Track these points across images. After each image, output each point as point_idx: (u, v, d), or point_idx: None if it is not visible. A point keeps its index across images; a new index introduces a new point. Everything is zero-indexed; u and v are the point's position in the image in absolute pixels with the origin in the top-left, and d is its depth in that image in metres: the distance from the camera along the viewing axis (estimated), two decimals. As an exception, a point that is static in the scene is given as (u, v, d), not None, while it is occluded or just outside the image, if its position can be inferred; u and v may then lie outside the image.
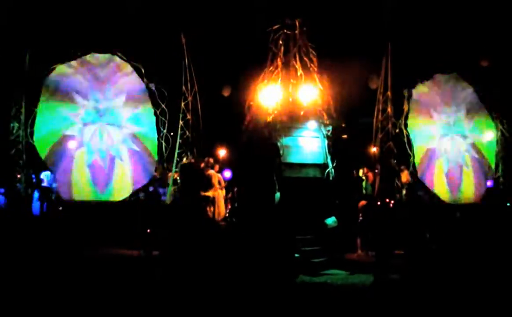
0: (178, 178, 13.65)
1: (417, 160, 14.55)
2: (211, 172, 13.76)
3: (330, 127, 12.40)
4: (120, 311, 7.01)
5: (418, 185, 14.30)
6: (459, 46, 16.04)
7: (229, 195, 14.59)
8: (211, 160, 14.18)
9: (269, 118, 12.48)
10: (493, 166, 15.56)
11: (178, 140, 13.59)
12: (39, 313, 6.85)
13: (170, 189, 13.73)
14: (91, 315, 6.87)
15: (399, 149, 14.14)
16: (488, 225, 14.39)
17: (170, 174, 14.14)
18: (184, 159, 13.75)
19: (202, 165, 14.03)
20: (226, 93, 18.83)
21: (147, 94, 14.05)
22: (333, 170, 11.99)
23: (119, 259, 11.80)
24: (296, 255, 10.34)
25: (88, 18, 16.21)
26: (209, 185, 13.41)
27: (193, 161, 13.60)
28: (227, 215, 13.87)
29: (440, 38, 16.34)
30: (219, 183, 13.79)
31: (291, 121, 12.37)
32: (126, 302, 7.46)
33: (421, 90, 15.05)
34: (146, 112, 14.10)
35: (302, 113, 12.44)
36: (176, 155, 13.71)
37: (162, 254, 11.05)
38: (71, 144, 13.74)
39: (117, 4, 16.46)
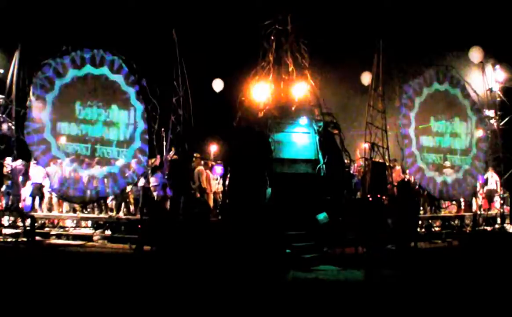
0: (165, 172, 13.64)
1: (408, 156, 14.60)
2: (200, 168, 13.73)
3: (321, 123, 12.40)
4: (112, 308, 6.98)
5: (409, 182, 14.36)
6: (451, 42, 16.14)
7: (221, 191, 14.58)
8: (198, 155, 14.22)
9: (261, 114, 12.47)
10: (483, 163, 15.62)
11: (169, 136, 13.53)
12: (31, 312, 6.79)
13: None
14: (84, 313, 6.82)
15: (391, 145, 14.17)
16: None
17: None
18: (171, 152, 13.70)
19: (196, 161, 14.01)
20: (217, 89, 18.84)
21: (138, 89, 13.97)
22: (324, 165, 11.99)
23: (111, 254, 11.78)
24: (288, 250, 10.33)
25: (79, 14, 16.11)
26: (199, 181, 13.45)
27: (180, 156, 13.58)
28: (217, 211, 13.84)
29: (431, 33, 16.41)
30: (208, 179, 13.84)
31: (282, 117, 12.37)
32: (118, 298, 7.43)
33: (412, 86, 15.07)
34: (136, 107, 14.02)
35: (293, 109, 12.45)
36: (166, 150, 13.66)
37: (156, 249, 11.03)
38: (62, 140, 13.69)
39: (108, 0, 16.37)
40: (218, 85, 19.10)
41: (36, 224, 13.34)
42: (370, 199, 12.70)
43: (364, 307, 7.20)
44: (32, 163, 14.11)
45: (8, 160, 13.99)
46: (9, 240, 12.92)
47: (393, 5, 16.26)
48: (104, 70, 13.95)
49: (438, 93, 15.38)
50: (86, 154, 13.73)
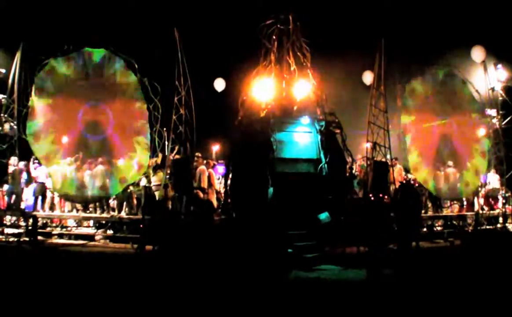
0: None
1: (410, 155, 14.58)
2: (202, 168, 13.71)
3: (323, 122, 12.39)
4: (114, 308, 6.98)
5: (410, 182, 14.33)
6: (453, 41, 16.12)
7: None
8: (199, 154, 14.20)
9: (263, 113, 12.46)
10: (486, 162, 15.59)
11: (171, 135, 13.52)
12: (33, 311, 6.79)
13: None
14: (86, 312, 6.82)
15: (393, 144, 14.14)
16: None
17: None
18: (175, 153, 13.70)
19: (198, 161, 13.98)
20: (219, 88, 18.86)
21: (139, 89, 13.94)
22: (326, 165, 11.98)
23: (113, 254, 11.80)
24: (289, 250, 10.33)
25: (82, 13, 16.12)
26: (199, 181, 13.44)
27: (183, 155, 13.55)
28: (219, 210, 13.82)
29: (433, 33, 16.39)
30: (212, 178, 13.82)
31: (284, 116, 12.35)
32: (120, 298, 7.43)
33: (414, 86, 15.05)
34: (139, 107, 14.00)
35: (295, 108, 12.44)
36: (168, 150, 13.64)
37: (158, 249, 11.05)
38: (63, 139, 13.71)
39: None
40: (220, 84, 19.10)
41: (38, 224, 13.38)
42: (372, 198, 12.68)
43: (366, 307, 7.19)
44: (32, 163, 14.12)
45: (12, 160, 14.03)
46: (11, 239, 12.95)
47: (395, 4, 16.25)
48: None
49: (440, 92, 15.35)
50: (88, 154, 13.72)
